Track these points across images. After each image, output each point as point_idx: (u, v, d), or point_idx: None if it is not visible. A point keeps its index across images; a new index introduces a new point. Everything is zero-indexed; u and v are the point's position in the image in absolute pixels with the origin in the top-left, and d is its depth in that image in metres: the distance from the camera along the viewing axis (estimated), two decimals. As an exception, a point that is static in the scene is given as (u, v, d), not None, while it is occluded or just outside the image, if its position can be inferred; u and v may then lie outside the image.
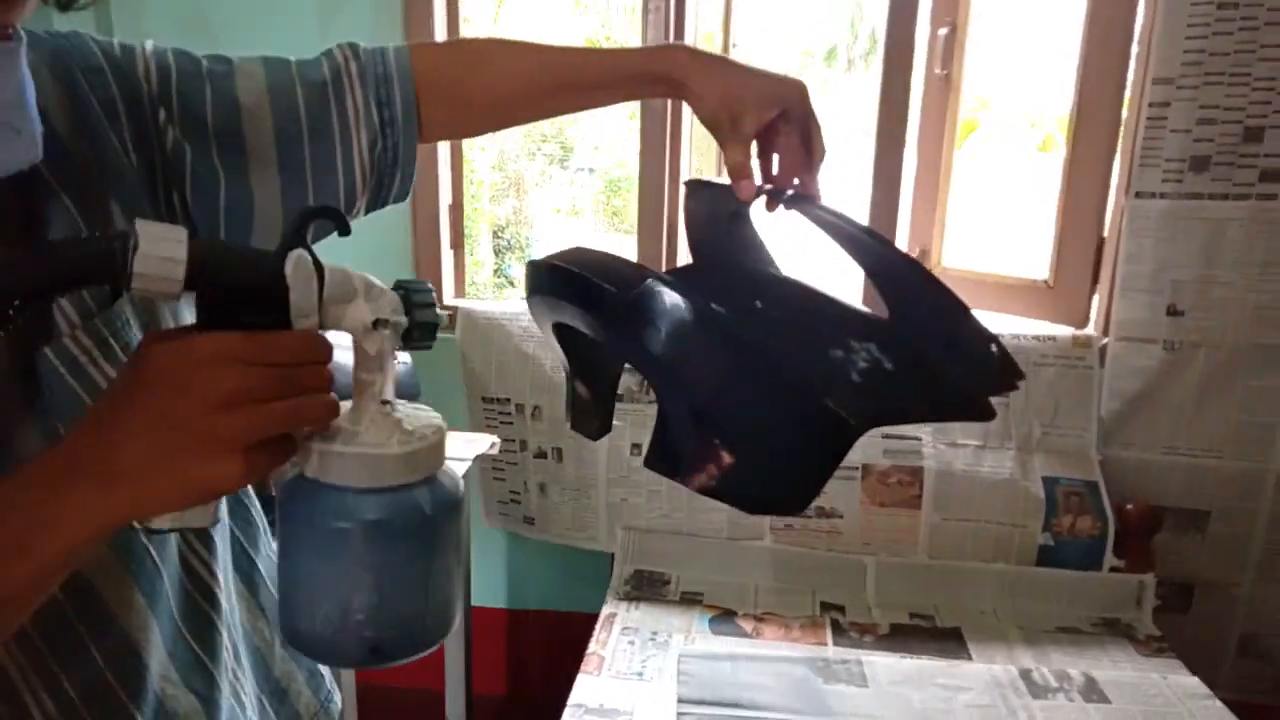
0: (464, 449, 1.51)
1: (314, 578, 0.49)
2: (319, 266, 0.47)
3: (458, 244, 1.85)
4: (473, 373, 1.74)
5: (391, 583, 0.48)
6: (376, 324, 0.48)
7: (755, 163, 0.72)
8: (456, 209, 1.84)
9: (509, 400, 1.74)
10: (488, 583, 1.93)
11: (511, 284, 5.05)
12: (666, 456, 0.52)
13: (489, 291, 4.84)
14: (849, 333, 0.54)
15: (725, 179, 0.71)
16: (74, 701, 0.55)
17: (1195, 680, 1.35)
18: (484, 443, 1.55)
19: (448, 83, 0.72)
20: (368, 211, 0.73)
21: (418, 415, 0.51)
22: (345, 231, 0.49)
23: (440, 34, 1.71)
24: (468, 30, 1.79)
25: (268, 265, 0.46)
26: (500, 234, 5.29)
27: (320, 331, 0.47)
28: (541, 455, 1.75)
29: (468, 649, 1.65)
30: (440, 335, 0.54)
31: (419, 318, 0.50)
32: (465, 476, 1.49)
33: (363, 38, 0.72)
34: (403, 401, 0.52)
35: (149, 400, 0.43)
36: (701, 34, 1.83)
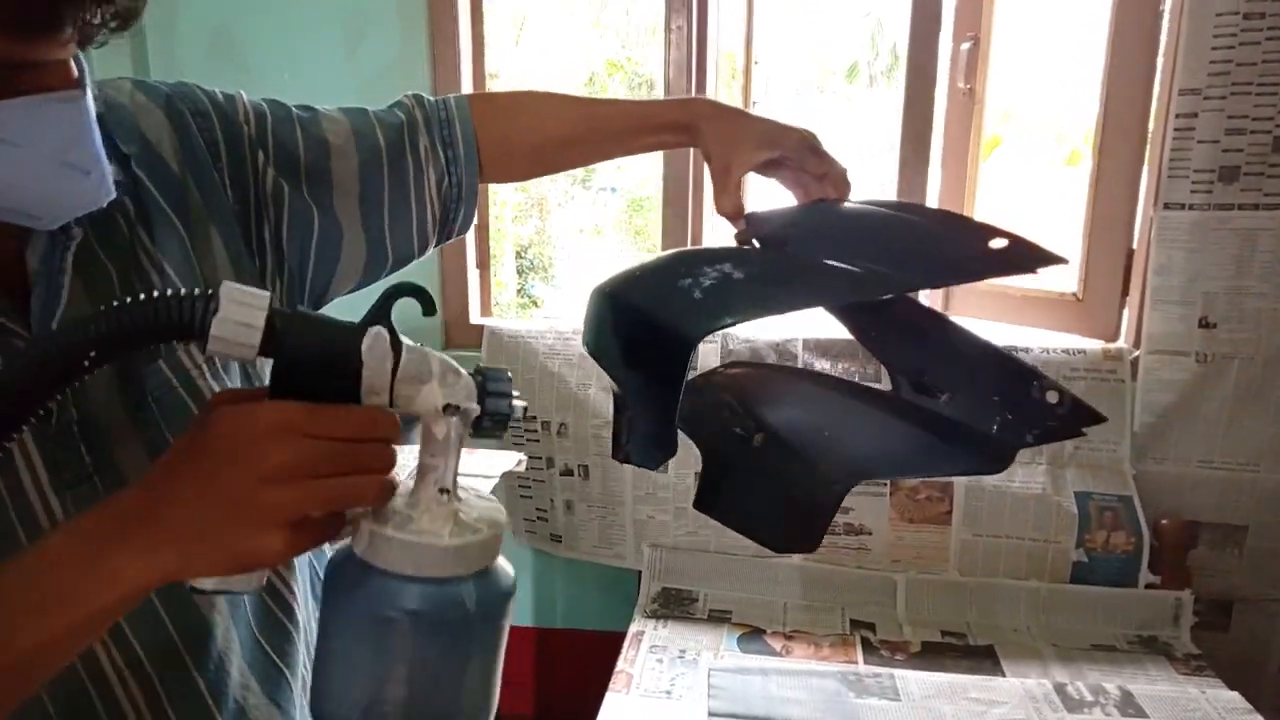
0: (491, 466, 1.52)
1: (348, 661, 0.46)
2: (397, 346, 0.45)
3: (484, 263, 1.87)
4: (499, 391, 1.75)
5: (425, 678, 0.46)
6: (447, 409, 0.46)
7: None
8: (482, 229, 1.86)
9: (535, 418, 1.75)
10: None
11: (535, 303, 5.08)
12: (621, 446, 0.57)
13: (512, 311, 4.87)
14: (704, 261, 0.55)
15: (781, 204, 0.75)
16: (162, 703, 0.56)
17: (1235, 695, 1.32)
18: (510, 460, 1.55)
19: (498, 128, 0.77)
20: (437, 244, 0.78)
21: (478, 506, 0.49)
22: (430, 311, 0.48)
23: (465, 54, 1.73)
24: (491, 52, 1.81)
25: (345, 339, 0.44)
26: (523, 254, 5.33)
27: (390, 410, 0.46)
28: (568, 473, 1.75)
29: (495, 667, 1.65)
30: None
31: (491, 407, 0.48)
32: (492, 493, 1.49)
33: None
34: (469, 489, 0.50)
35: (203, 465, 0.43)
36: (723, 53, 1.85)
